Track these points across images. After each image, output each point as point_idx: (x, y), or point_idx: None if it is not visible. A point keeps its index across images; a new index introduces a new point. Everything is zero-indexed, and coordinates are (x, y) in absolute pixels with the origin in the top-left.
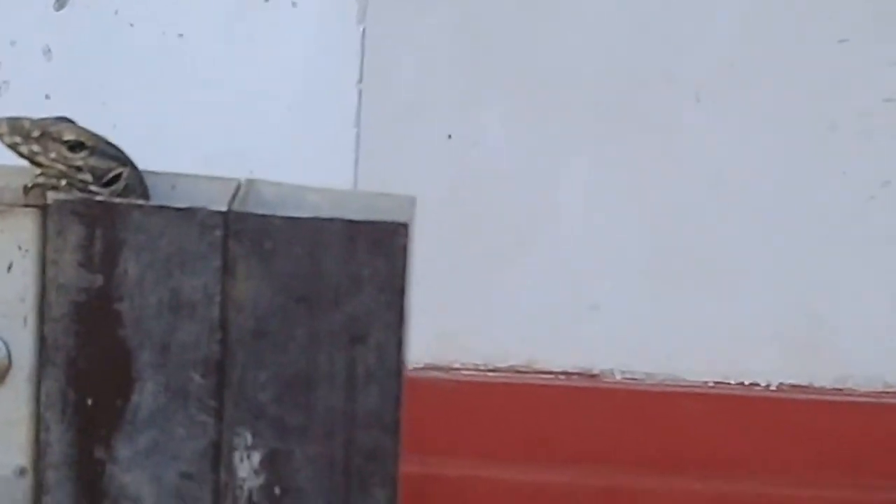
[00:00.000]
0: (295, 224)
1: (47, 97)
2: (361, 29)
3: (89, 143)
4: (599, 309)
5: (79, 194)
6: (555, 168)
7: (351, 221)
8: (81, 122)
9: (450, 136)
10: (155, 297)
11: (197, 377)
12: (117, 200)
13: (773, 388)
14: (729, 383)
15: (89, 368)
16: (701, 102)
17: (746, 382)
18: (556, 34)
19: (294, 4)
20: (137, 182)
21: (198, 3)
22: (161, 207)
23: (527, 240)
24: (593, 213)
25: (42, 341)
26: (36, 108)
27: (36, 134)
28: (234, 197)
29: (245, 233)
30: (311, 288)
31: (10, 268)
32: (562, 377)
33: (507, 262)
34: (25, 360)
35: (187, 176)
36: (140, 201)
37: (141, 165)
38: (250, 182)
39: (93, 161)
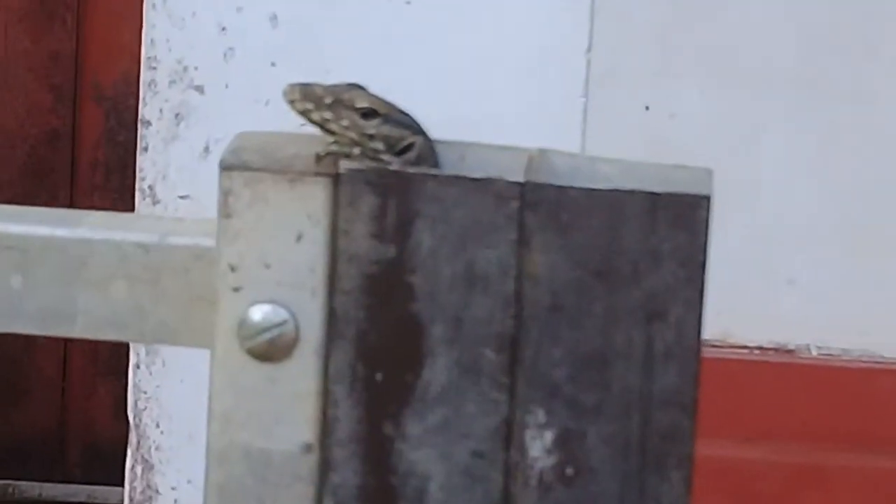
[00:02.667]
0: (593, 196)
1: (273, 64)
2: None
3: (382, 111)
4: (795, 283)
5: (371, 163)
6: (751, 140)
7: (652, 193)
8: None
9: (647, 108)
10: (448, 269)
11: (490, 353)
12: (411, 170)
13: None
14: None
15: (379, 343)
16: (894, 76)
17: None
18: (756, 4)
19: None
20: (429, 152)
21: None
22: (457, 178)
23: (723, 213)
24: (790, 186)
25: (331, 314)
26: (261, 76)
27: (328, 101)
28: (527, 167)
29: (542, 204)
30: (608, 262)
31: (299, 238)
32: (756, 352)
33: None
34: (313, 333)
35: (478, 145)
36: (434, 171)
37: None
38: (542, 152)
39: (386, 129)
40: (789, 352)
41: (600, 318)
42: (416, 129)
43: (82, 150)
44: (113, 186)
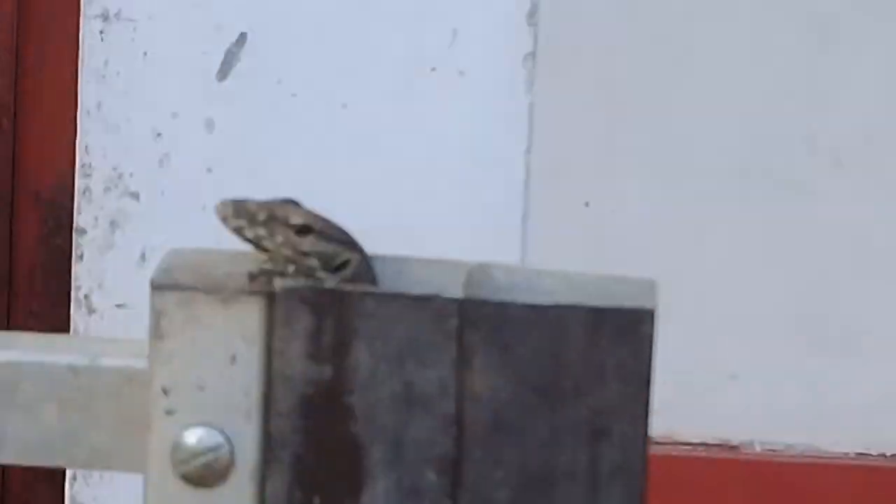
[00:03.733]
0: (535, 311)
1: (209, 170)
2: (529, 98)
3: (317, 227)
4: (738, 378)
5: (307, 281)
6: (692, 234)
7: (595, 308)
8: (243, 195)
9: (587, 204)
10: (387, 389)
11: (431, 475)
12: (348, 287)
13: None
14: (871, 454)
15: (317, 466)
16: (843, 167)
17: (888, 454)
18: (695, 98)
19: (461, 73)
20: (366, 268)
21: (362, 72)
22: (395, 295)
23: (663, 307)
24: (731, 279)
25: (267, 437)
26: (197, 182)
27: (262, 217)
28: (466, 283)
29: (482, 321)
30: (551, 379)
31: (233, 359)
32: (700, 448)
33: None
34: (249, 457)
35: (415, 260)
36: (372, 288)
37: None
38: (481, 266)
39: (321, 246)
40: (733, 448)
41: (544, 437)
42: (352, 244)
43: (20, 255)
44: (52, 290)
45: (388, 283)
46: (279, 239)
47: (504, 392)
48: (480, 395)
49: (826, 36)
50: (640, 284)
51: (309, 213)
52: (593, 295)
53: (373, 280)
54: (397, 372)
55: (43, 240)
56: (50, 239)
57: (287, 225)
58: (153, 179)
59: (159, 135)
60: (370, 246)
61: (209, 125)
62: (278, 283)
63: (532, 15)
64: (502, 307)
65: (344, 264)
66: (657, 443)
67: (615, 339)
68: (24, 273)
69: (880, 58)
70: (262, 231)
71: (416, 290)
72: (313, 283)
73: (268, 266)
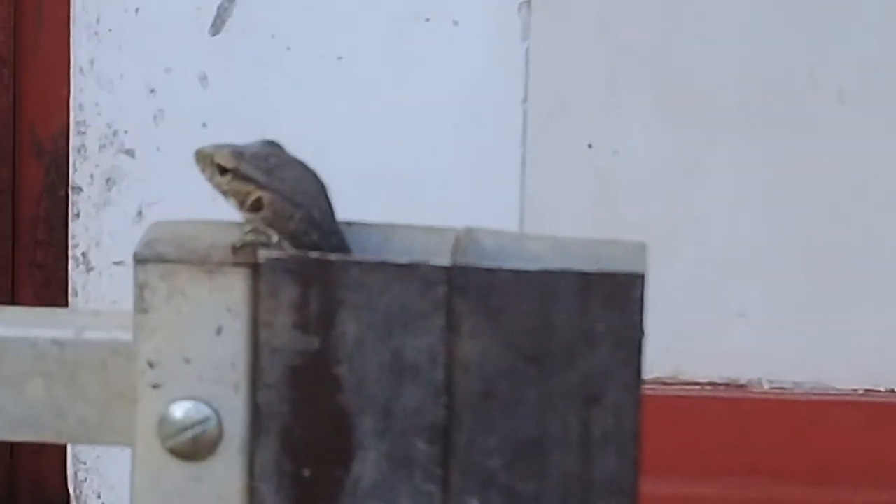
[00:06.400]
0: (524, 277)
1: (204, 125)
2: (525, 46)
3: (230, 166)
4: (745, 316)
5: (292, 251)
6: (696, 172)
7: (584, 273)
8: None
9: (590, 146)
10: (376, 359)
11: (422, 444)
12: (333, 257)
13: None
14: (879, 390)
15: (306, 437)
16: (845, 104)
17: None
18: (698, 36)
19: (455, 23)
20: (289, 209)
21: (356, 24)
22: (381, 263)
23: (669, 247)
24: (736, 218)
25: (255, 409)
26: (192, 137)
27: (207, 160)
28: (454, 249)
29: (470, 288)
30: (541, 346)
31: (219, 331)
32: (708, 388)
33: (650, 271)
34: (237, 429)
35: (402, 226)
36: (358, 256)
37: None
38: (469, 231)
39: (235, 184)
40: (741, 386)
41: (535, 403)
42: (263, 182)
43: (23, 205)
44: (57, 241)
45: (376, 250)
46: (207, 176)
47: (494, 359)
48: (470, 362)
49: None
50: (631, 248)
51: (232, 153)
52: (583, 259)
53: (329, 234)
54: (385, 341)
55: (46, 191)
56: (53, 190)
57: (213, 164)
58: (148, 136)
59: (153, 91)
60: (370, 196)
61: (203, 80)
62: (262, 254)
63: None
64: (490, 273)
65: (257, 202)
66: (664, 383)
67: (605, 305)
68: (27, 224)
69: None
70: (207, 173)
71: (403, 257)
72: (300, 253)
73: (250, 237)
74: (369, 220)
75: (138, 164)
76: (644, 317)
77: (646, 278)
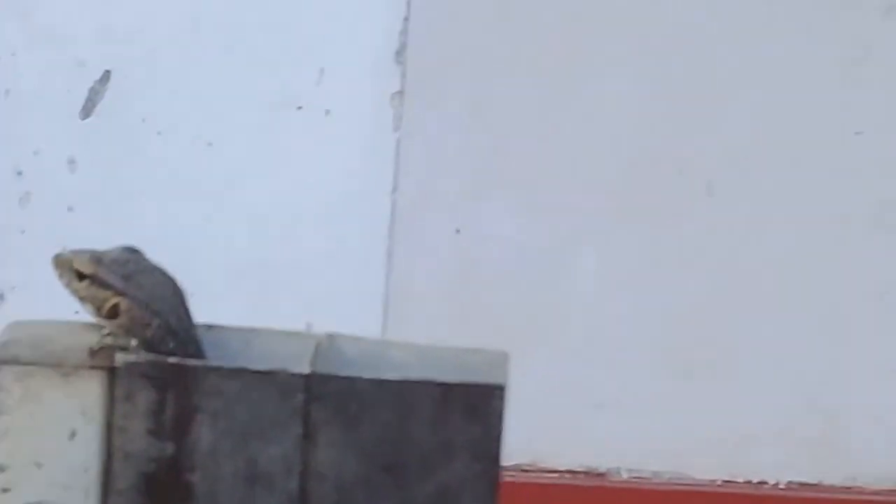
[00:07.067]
0: (383, 387)
1: (70, 209)
2: (396, 137)
3: (88, 272)
4: (605, 407)
5: (149, 356)
6: (563, 260)
7: (443, 384)
8: (104, 236)
9: (458, 231)
10: (230, 467)
11: None
12: (191, 362)
13: (781, 486)
14: (737, 481)
15: None
16: (713, 195)
17: (755, 481)
18: (569, 127)
19: (328, 112)
20: (146, 316)
21: (228, 110)
22: (239, 370)
23: (532, 334)
24: (600, 307)
25: None
26: (59, 221)
27: (66, 265)
28: (314, 355)
29: (328, 397)
30: (398, 456)
31: (72, 435)
32: (567, 476)
33: (512, 359)
34: None
35: (264, 331)
36: (216, 363)
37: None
38: (330, 338)
39: (92, 291)
40: (600, 475)
41: None
42: (121, 289)
43: None
44: None
45: (236, 355)
46: (64, 282)
47: (350, 469)
48: (326, 471)
49: (699, 64)
50: (493, 357)
51: (90, 259)
52: (444, 368)
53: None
54: (240, 448)
55: None
56: None
57: (71, 269)
58: (13, 218)
59: (20, 173)
60: (234, 284)
61: (71, 163)
62: (119, 358)
63: (400, 53)
64: (349, 382)
65: (114, 308)
66: (524, 470)
67: (465, 416)
68: None
69: (752, 86)
70: (64, 279)
71: (262, 364)
72: (157, 357)
73: (108, 340)
74: (229, 324)
75: (1, 246)
76: (503, 429)
77: (506, 389)
